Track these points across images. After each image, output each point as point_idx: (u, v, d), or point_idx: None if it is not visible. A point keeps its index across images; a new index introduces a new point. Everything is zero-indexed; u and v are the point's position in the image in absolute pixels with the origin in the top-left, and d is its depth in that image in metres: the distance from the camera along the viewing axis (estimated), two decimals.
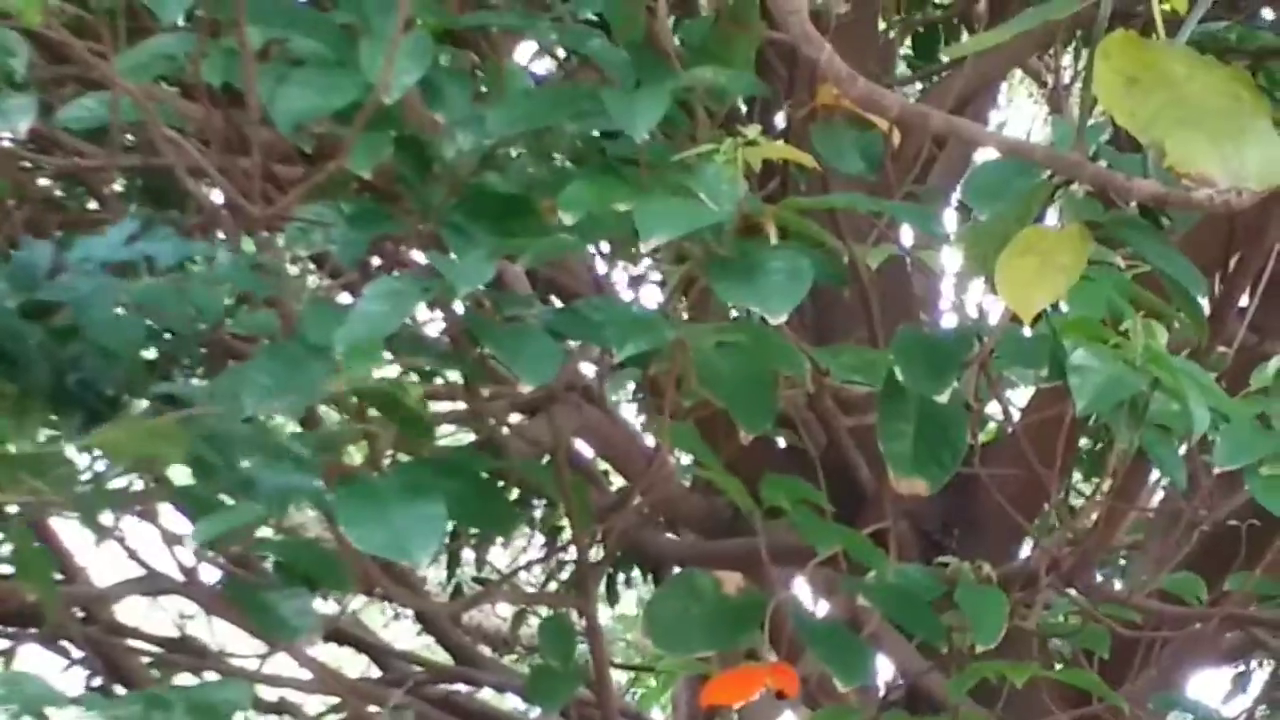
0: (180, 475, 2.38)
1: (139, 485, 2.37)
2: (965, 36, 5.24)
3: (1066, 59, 5.10)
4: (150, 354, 2.20)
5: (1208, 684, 5.74)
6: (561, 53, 3.63)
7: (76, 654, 4.07)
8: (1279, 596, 3.45)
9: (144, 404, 2.13)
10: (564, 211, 2.10)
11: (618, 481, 4.69)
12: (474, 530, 5.44)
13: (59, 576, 3.74)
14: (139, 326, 2.08)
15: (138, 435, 2.06)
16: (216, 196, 2.38)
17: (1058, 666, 3.76)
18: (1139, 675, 3.83)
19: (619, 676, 7.87)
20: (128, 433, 2.06)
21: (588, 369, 2.75)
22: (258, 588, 2.39)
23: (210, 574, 2.57)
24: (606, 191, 2.14)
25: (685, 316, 2.62)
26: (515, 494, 4.51)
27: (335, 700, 3.40)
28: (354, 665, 5.95)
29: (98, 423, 2.09)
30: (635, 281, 4.01)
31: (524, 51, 3.33)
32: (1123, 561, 5.20)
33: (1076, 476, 5.12)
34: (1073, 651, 3.43)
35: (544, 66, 3.78)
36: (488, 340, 2.17)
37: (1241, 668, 5.15)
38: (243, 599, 2.39)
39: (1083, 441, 4.76)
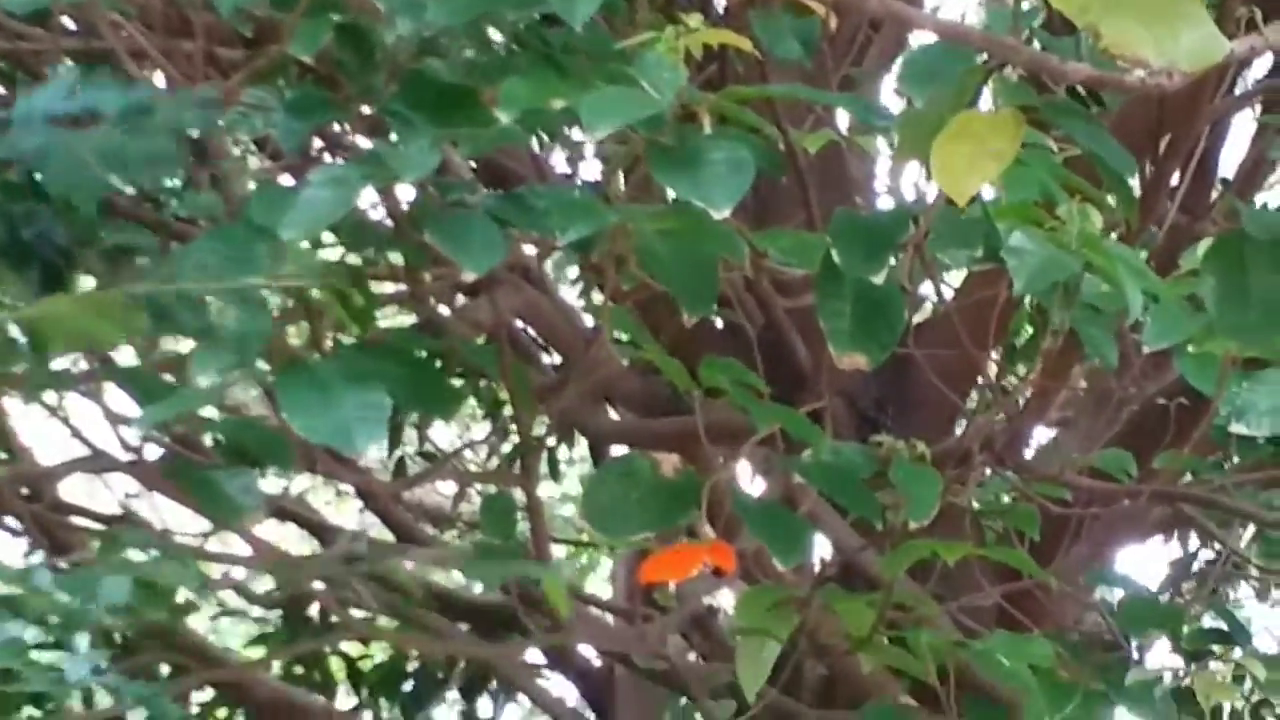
0: (124, 356, 2.40)
1: (83, 365, 2.39)
2: None
3: None
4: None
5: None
6: None
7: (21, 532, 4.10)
8: (1206, 472, 3.51)
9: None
10: (503, 109, 2.11)
11: (558, 362, 4.73)
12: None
13: (2, 455, 3.75)
14: (96, 178, 2.08)
15: (80, 310, 2.06)
16: (159, 80, 2.38)
17: (990, 543, 3.83)
18: (1069, 551, 3.90)
19: (559, 552, 7.95)
20: (70, 307, 2.06)
21: (529, 250, 2.77)
22: (202, 466, 2.41)
23: (154, 453, 2.59)
24: (545, 87, 2.15)
25: (626, 199, 2.64)
26: (458, 375, 4.54)
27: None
28: (299, 544, 6.00)
29: (54, 281, 2.10)
30: (574, 161, 4.03)
31: None
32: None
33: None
34: (1004, 528, 3.48)
35: None
36: (430, 228, 2.19)
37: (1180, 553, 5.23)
38: (187, 478, 2.41)
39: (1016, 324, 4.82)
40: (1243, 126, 4.56)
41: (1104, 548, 4.29)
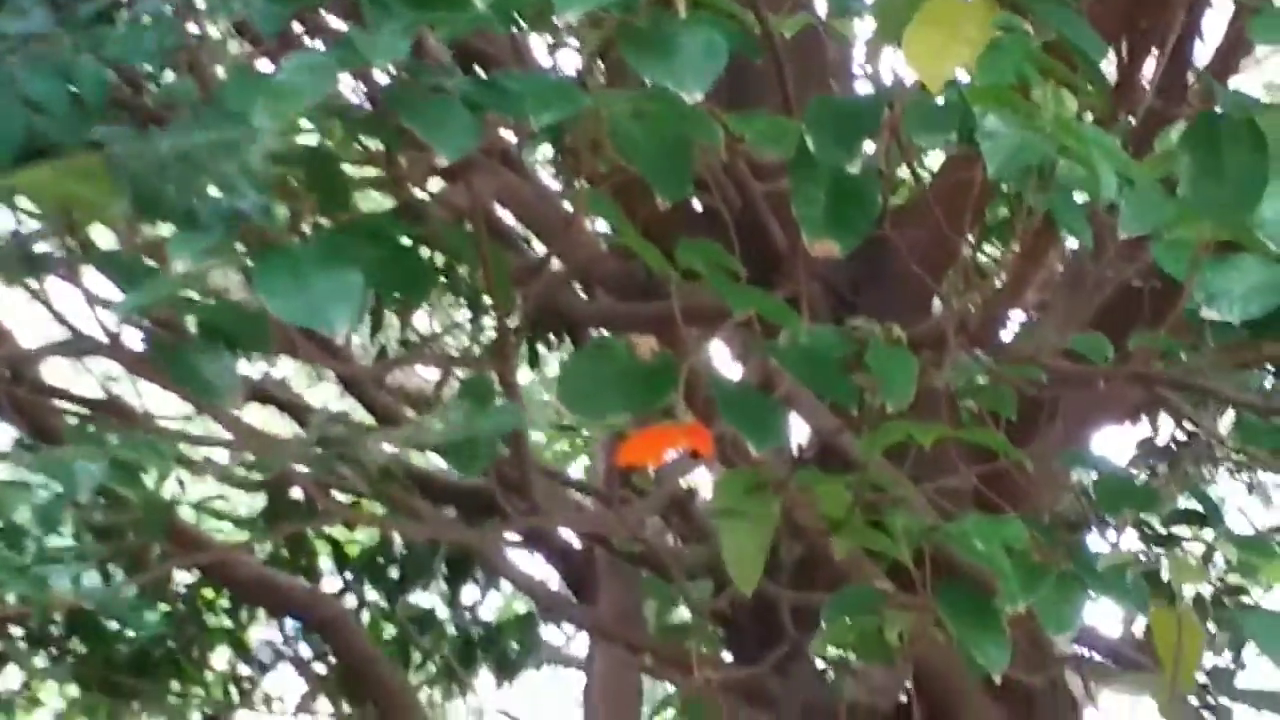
0: (105, 241, 2.40)
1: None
2: None
3: None
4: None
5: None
6: None
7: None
8: (1181, 354, 3.52)
9: None
10: None
11: (537, 247, 4.73)
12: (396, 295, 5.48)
13: None
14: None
15: (61, 176, 2.07)
16: None
17: (966, 426, 3.85)
18: (1045, 434, 3.93)
19: (538, 437, 7.99)
20: (52, 174, 2.07)
21: (508, 135, 2.77)
22: (182, 349, 2.42)
23: (134, 337, 2.60)
24: None
25: (603, 83, 2.64)
26: (436, 259, 4.54)
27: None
28: (279, 428, 6.02)
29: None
30: (554, 49, 4.01)
31: None
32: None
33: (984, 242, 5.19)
34: (980, 411, 3.50)
35: None
36: (407, 113, 2.19)
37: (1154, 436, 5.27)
38: (167, 360, 2.43)
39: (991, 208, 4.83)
40: (1220, 7, 4.55)
41: (1079, 431, 4.32)
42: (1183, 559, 2.81)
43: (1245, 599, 4.46)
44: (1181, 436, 5.15)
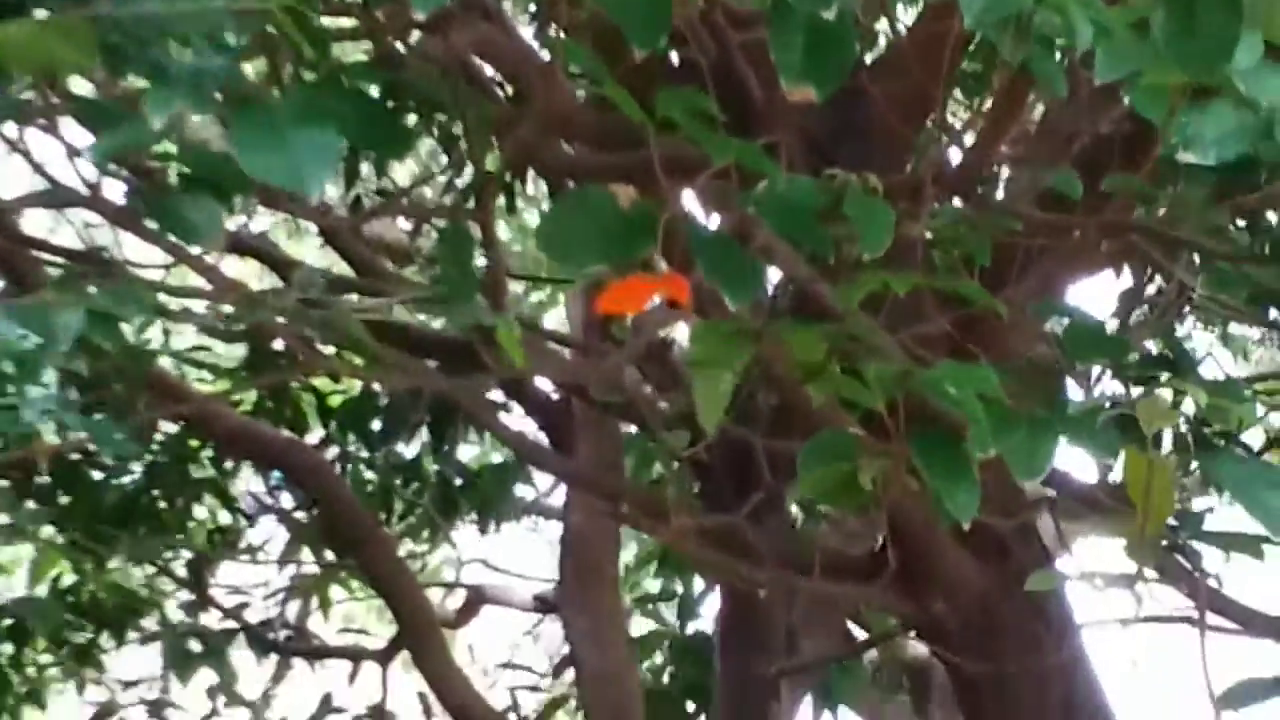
0: (82, 88, 2.40)
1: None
2: None
3: None
4: None
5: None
6: None
7: None
8: (1157, 202, 3.54)
9: None
10: None
11: (514, 97, 4.72)
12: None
13: None
14: None
15: (43, 34, 2.06)
16: None
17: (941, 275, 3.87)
18: (1019, 284, 3.95)
19: (516, 287, 8.00)
20: (32, 30, 2.06)
21: None
22: (164, 195, 2.43)
23: (115, 189, 2.61)
24: None
25: None
26: (414, 110, 4.53)
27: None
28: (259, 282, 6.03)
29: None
30: None
31: None
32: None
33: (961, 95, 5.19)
34: (956, 261, 3.52)
35: None
36: None
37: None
38: (149, 206, 2.44)
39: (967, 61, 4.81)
40: None
41: (1054, 281, 4.34)
42: (1154, 402, 2.84)
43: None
44: (1154, 289, 5.18)
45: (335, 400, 6.20)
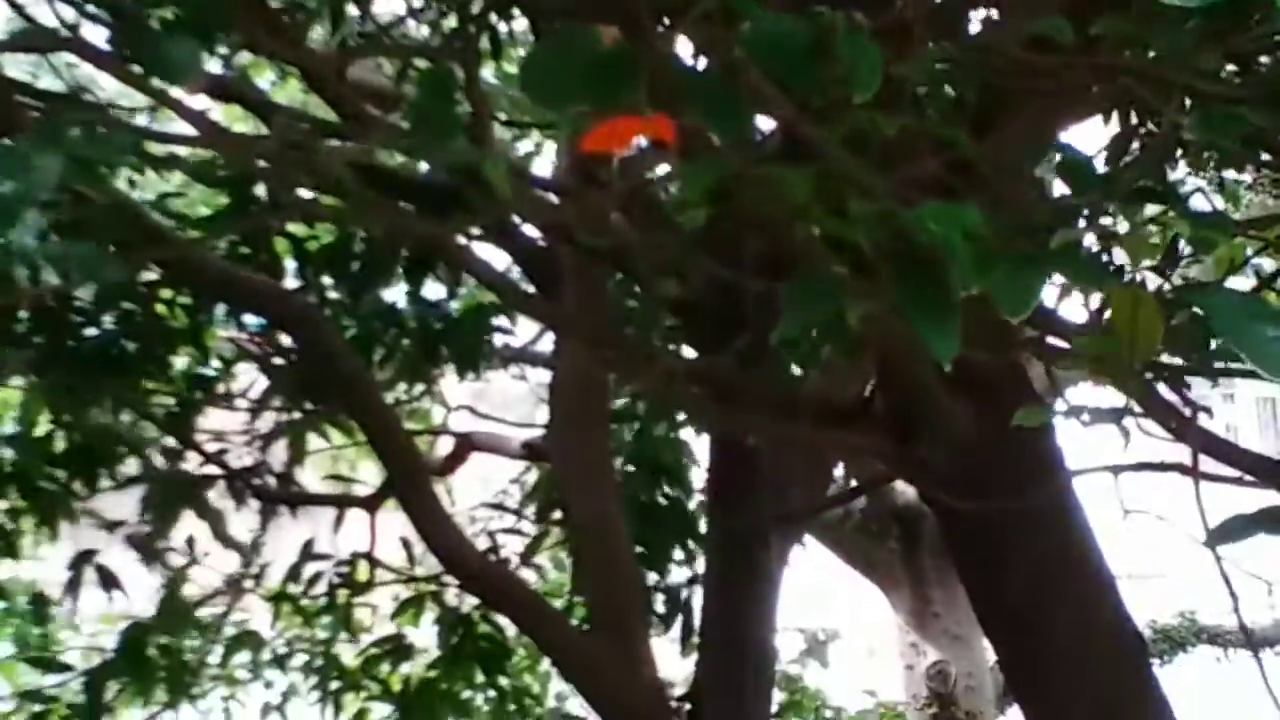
0: None
1: None
2: None
3: None
4: None
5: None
6: None
7: None
8: (1144, 43, 3.49)
9: None
10: None
11: None
12: None
13: None
14: None
15: None
16: None
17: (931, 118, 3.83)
18: (1008, 127, 3.92)
19: (501, 133, 7.94)
20: None
21: None
22: (143, 36, 2.40)
23: (96, 33, 2.58)
24: None
25: None
26: None
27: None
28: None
29: None
30: None
31: None
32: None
33: None
34: (945, 106, 3.48)
35: None
36: None
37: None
38: (131, 46, 2.40)
39: None
40: None
41: (1044, 126, 4.31)
42: (1138, 234, 2.81)
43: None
44: (1145, 134, 5.14)
45: (313, 246, 6.16)
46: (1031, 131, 4.10)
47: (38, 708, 7.05)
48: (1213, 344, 3.02)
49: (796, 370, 4.96)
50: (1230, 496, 3.43)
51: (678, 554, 6.96)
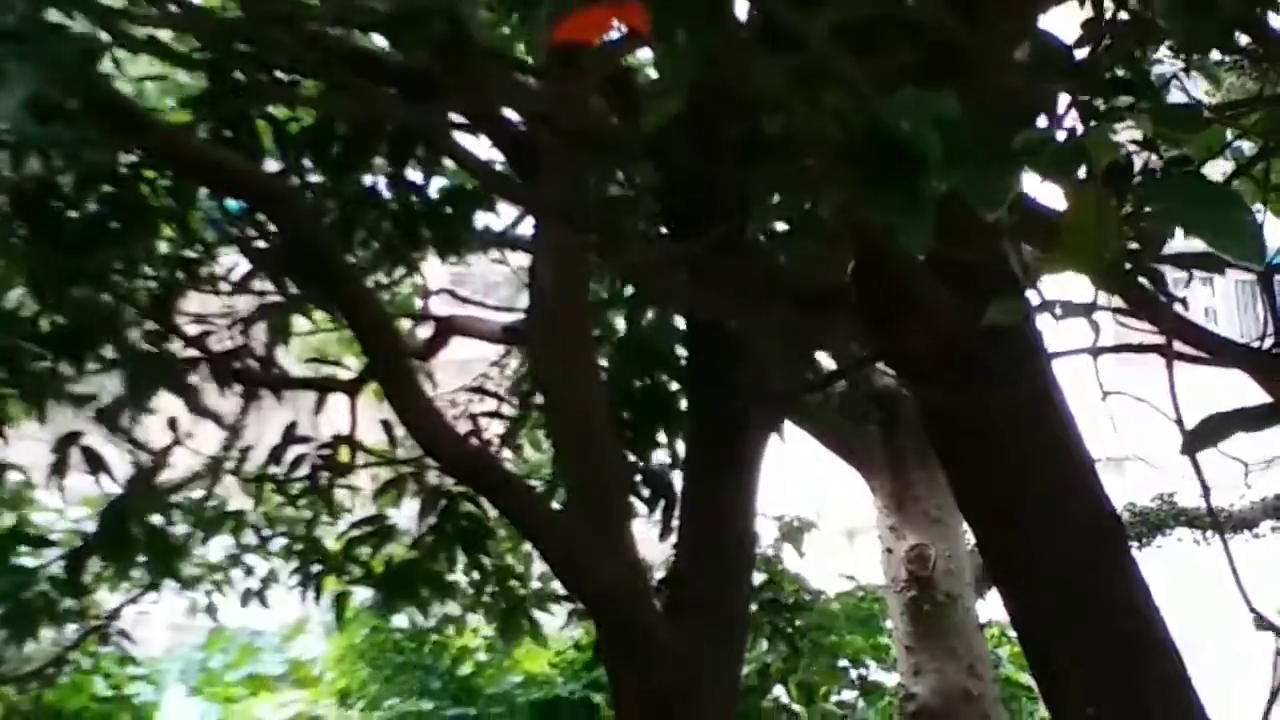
0: None
1: None
2: None
3: None
4: None
5: None
6: None
7: None
8: None
9: None
10: None
11: None
12: None
13: None
14: None
15: None
16: None
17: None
18: (991, 10, 3.89)
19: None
20: None
21: None
22: None
23: None
24: None
25: None
26: None
27: None
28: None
29: None
30: None
31: None
32: None
33: None
34: None
35: None
36: None
37: None
38: None
39: None
40: None
41: (1025, 12, 4.28)
42: (1101, 133, 2.80)
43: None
44: (1124, 18, 5.10)
45: (294, 129, 6.13)
46: (1012, 16, 4.08)
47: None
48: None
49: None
50: (1207, 378, 3.47)
51: (661, 438, 6.97)
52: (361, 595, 8.05)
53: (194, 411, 6.71)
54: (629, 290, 7.01)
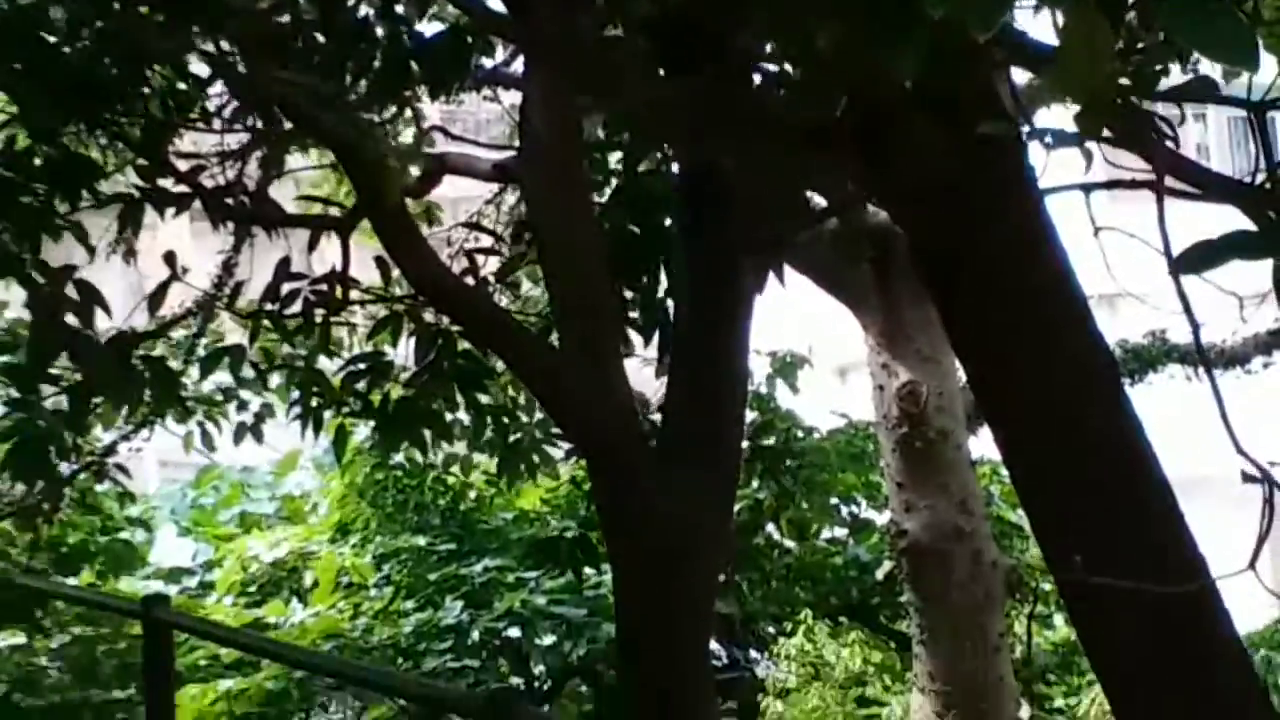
0: None
1: None
2: None
3: None
4: None
5: None
6: None
7: None
8: None
9: None
10: None
11: None
12: None
13: None
14: None
15: None
16: None
17: None
18: None
19: None
20: None
21: None
22: None
23: None
24: None
25: None
26: None
27: None
28: None
29: None
30: None
31: None
32: None
33: None
34: None
35: None
36: None
37: None
38: None
39: None
40: None
41: None
42: None
43: None
44: None
45: None
46: None
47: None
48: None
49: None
50: (1201, 217, 3.46)
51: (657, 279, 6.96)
52: (362, 433, 8.08)
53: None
54: (624, 135, 6.98)
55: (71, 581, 12.74)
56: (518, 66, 7.62)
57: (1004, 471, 9.95)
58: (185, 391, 8.07)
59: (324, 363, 7.88)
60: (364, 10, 6.25)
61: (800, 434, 12.87)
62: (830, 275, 10.56)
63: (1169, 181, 3.30)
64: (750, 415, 11.68)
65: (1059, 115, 4.64)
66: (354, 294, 7.40)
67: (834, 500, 13.38)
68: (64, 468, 8.52)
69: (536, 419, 8.38)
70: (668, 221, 6.78)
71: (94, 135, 6.43)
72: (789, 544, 13.12)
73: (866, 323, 10.42)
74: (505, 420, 8.23)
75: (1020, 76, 5.62)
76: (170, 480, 18.85)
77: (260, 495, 17.39)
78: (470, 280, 7.01)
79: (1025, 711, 12.02)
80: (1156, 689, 3.79)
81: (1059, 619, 13.02)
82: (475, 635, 11.30)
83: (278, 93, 6.07)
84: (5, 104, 6.53)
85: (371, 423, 7.94)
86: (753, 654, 12.82)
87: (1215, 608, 3.76)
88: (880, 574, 12.61)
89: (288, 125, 6.61)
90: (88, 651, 10.47)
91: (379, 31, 6.22)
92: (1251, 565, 2.96)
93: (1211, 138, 22.75)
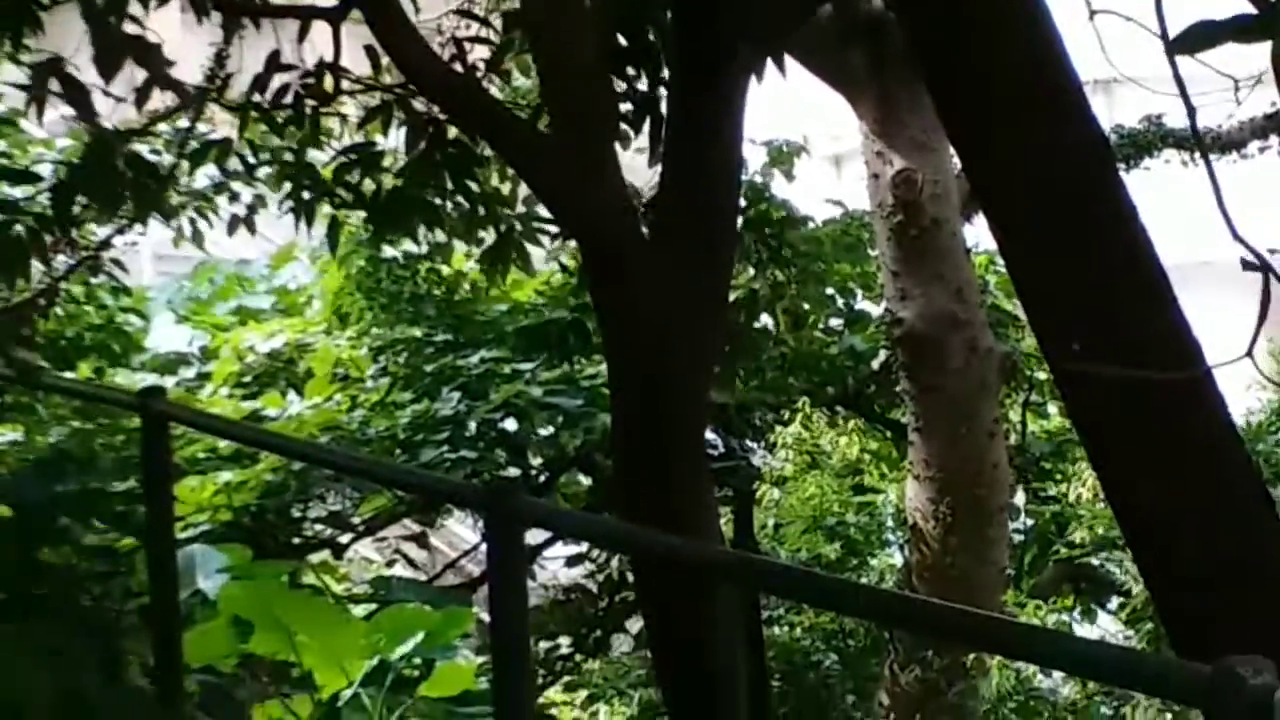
0: None
1: None
2: None
3: None
4: None
5: None
6: None
7: None
8: None
9: None
10: None
11: None
12: None
13: None
14: None
15: None
16: None
17: None
18: None
19: None
20: None
21: None
22: None
23: None
24: None
25: None
26: None
27: None
28: None
29: None
30: None
31: None
32: None
33: None
34: None
35: None
36: None
37: None
38: None
39: None
40: None
41: None
42: None
43: None
44: None
45: None
46: None
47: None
48: None
49: None
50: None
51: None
52: (354, 222, 8.06)
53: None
54: None
55: (69, 375, 12.76)
56: None
57: (1000, 260, 9.94)
58: (177, 186, 8.03)
59: (314, 155, 7.84)
60: None
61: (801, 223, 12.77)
62: (825, 63, 10.45)
63: None
64: (744, 202, 11.60)
65: None
66: (344, 84, 7.33)
67: (830, 291, 13.35)
68: (60, 261, 8.52)
69: (521, 208, 8.35)
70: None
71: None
72: (785, 335, 13.12)
73: (860, 110, 10.33)
74: (495, 207, 8.18)
75: None
76: (166, 274, 18.80)
77: (257, 289, 17.32)
78: (459, 67, 6.94)
79: (1020, 497, 12.14)
80: (1152, 474, 3.82)
81: (1053, 408, 13.07)
82: (472, 426, 11.34)
83: None
84: None
85: (363, 214, 7.92)
86: (749, 443, 12.88)
87: (1212, 394, 3.77)
88: (875, 364, 12.63)
89: None
90: (85, 445, 10.52)
91: None
92: (1249, 353, 2.95)
93: None
